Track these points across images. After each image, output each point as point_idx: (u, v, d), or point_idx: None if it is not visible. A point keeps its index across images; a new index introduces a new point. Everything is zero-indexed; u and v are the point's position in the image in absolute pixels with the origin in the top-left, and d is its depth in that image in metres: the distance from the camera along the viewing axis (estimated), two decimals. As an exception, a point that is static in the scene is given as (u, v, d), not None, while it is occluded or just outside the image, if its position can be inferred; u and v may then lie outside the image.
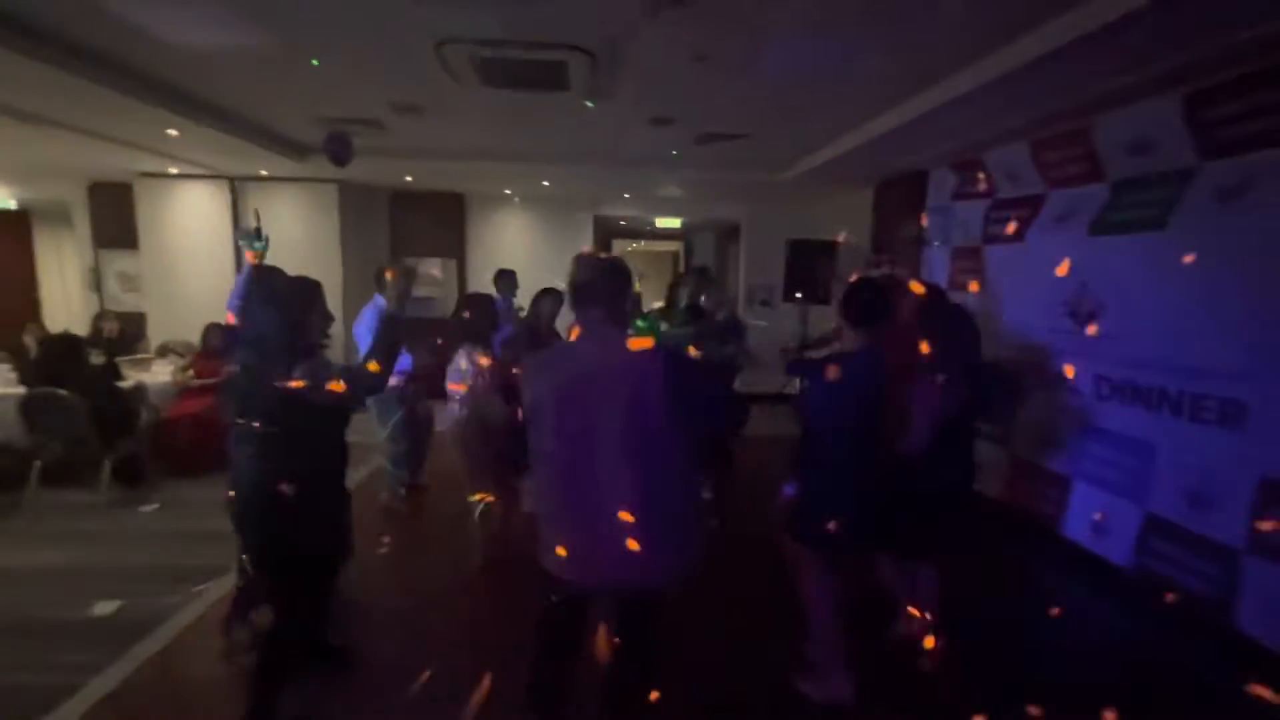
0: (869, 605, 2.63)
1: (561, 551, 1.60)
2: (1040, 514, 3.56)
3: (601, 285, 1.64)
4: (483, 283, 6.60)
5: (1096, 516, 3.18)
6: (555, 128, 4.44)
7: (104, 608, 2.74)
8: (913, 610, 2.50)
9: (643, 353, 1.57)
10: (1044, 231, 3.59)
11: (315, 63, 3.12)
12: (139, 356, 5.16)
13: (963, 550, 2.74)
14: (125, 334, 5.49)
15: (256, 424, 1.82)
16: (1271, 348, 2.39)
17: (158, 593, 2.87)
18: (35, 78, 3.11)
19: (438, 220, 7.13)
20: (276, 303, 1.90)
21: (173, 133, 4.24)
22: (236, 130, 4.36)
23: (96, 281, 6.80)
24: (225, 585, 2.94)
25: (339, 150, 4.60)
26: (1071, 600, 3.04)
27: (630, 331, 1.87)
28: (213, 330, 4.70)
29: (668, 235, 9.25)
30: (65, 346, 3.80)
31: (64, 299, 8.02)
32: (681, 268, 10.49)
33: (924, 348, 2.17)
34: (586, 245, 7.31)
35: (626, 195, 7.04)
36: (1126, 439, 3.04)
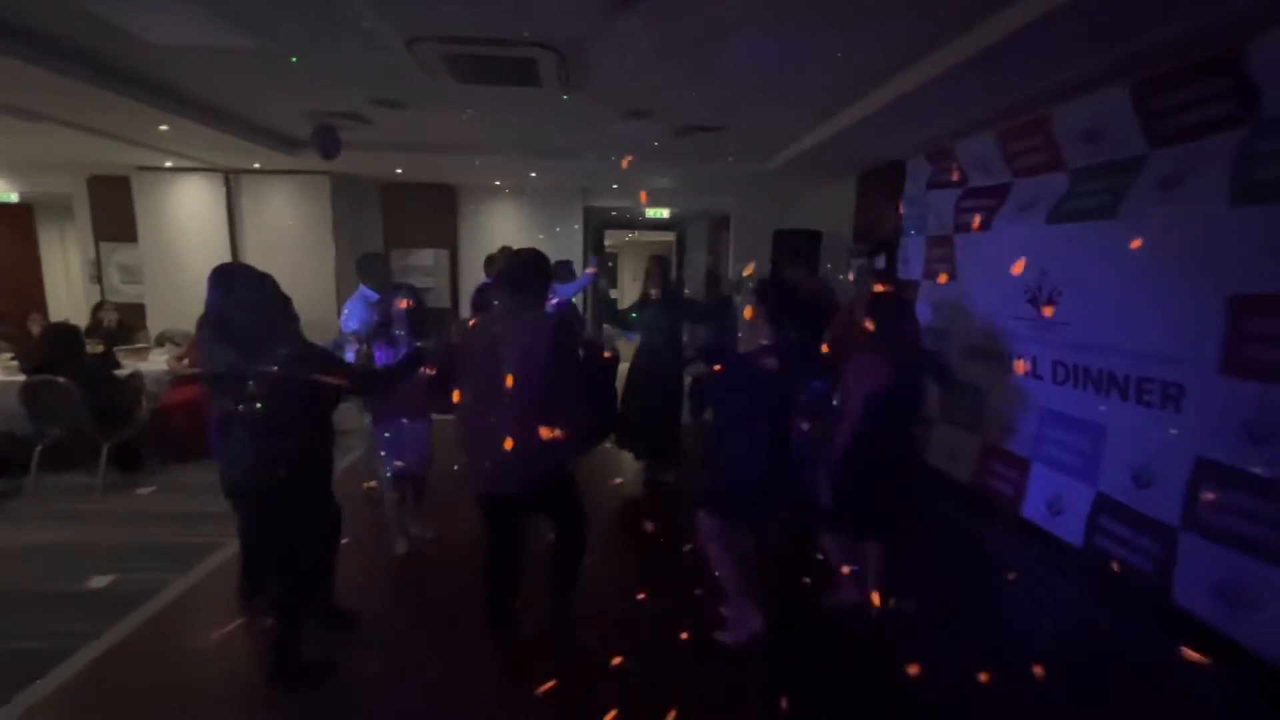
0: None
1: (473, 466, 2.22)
2: (1003, 496, 3.66)
3: (515, 274, 2.29)
4: (475, 271, 6.74)
5: (1052, 497, 3.29)
6: (536, 121, 4.53)
7: (98, 581, 2.90)
8: (855, 583, 2.68)
9: (541, 321, 2.22)
10: (1009, 220, 3.66)
11: (294, 60, 3.23)
12: (138, 346, 5.31)
13: (906, 519, 2.89)
14: (124, 324, 5.65)
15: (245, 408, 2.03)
16: (1204, 331, 2.47)
17: (149, 568, 3.03)
18: (30, 78, 3.22)
19: (430, 211, 7.24)
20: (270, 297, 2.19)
21: (163, 128, 4.36)
22: (225, 125, 4.47)
23: (97, 273, 6.96)
24: (213, 562, 3.11)
25: (326, 144, 4.73)
26: (1025, 579, 3.15)
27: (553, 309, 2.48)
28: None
29: (661, 225, 9.32)
30: (63, 336, 3.95)
31: (67, 290, 8.21)
32: (674, 258, 10.55)
33: (863, 332, 2.37)
34: (576, 227, 7.41)
35: (615, 186, 7.12)
36: (1079, 421, 3.13)
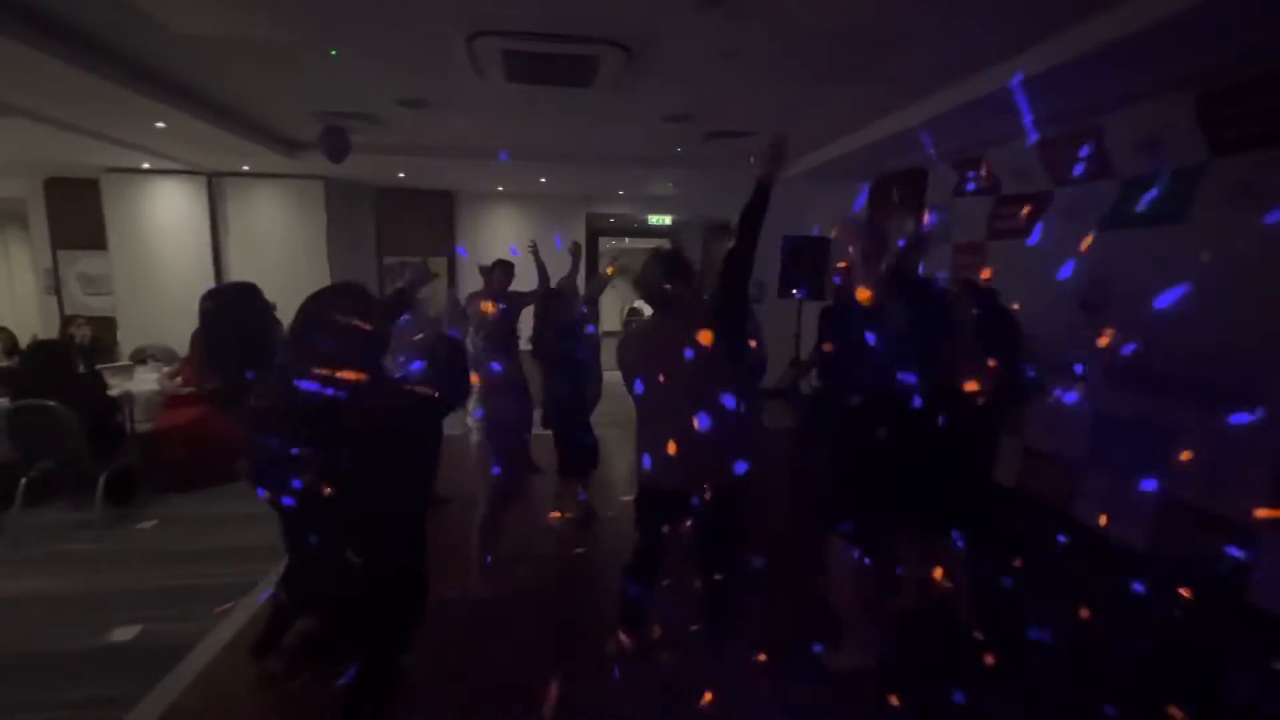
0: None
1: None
2: (1049, 499, 3.69)
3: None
4: (474, 280, 6.47)
5: (1112, 501, 3.32)
6: (562, 123, 4.36)
7: (122, 634, 2.56)
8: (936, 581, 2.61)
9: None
10: (1053, 227, 3.72)
11: (334, 53, 2.98)
12: (119, 364, 4.83)
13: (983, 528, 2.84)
14: (98, 340, 5.14)
15: None
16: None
17: (177, 616, 2.70)
18: (22, 64, 2.86)
19: (427, 217, 6.94)
20: None
21: (160, 125, 3.98)
22: (229, 125, 4.13)
23: (55, 284, 6.36)
24: (251, 604, 2.79)
25: (336, 145, 4.44)
26: (1088, 584, 3.16)
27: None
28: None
29: (656, 233, 9.24)
30: (50, 354, 3.53)
31: (13, 303, 7.47)
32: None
33: None
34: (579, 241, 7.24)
35: (621, 192, 6.99)
36: (1141, 424, 3.17)
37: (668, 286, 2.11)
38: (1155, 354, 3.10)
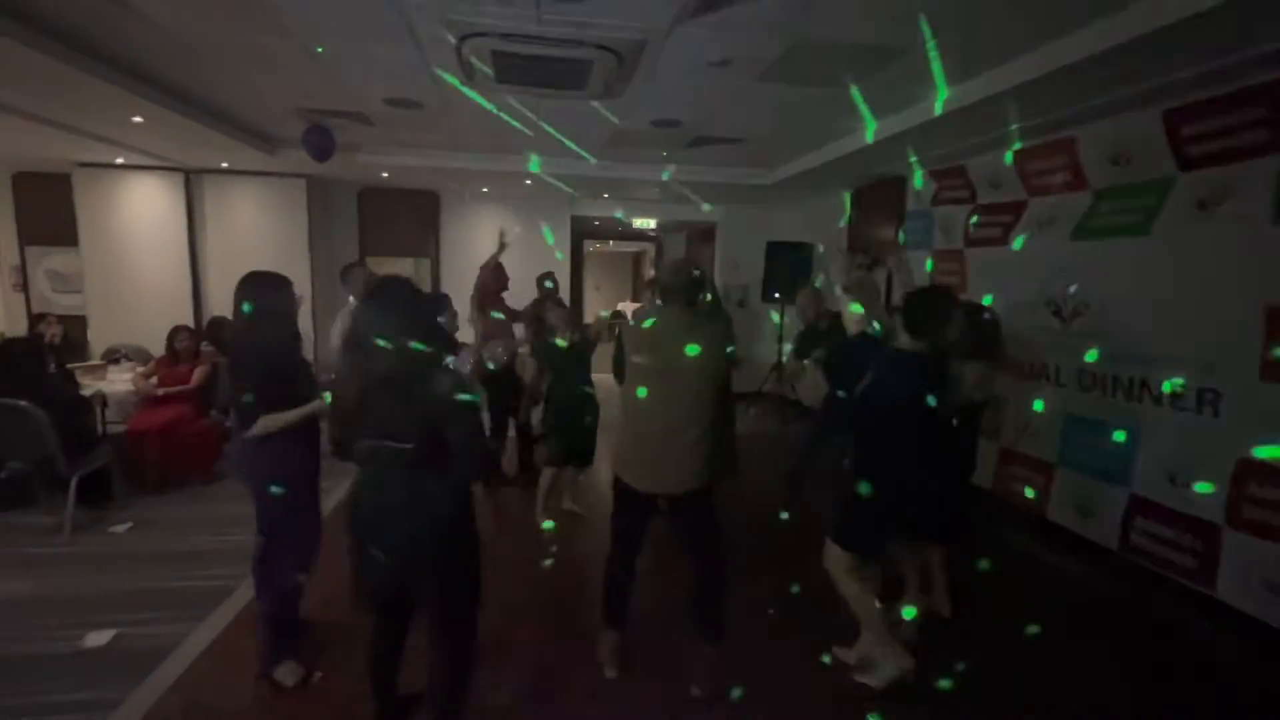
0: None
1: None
2: (1027, 500, 3.80)
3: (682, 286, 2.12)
4: (458, 282, 6.43)
5: (1081, 501, 3.43)
6: (557, 125, 4.36)
7: (96, 639, 2.50)
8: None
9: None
10: (1027, 235, 3.84)
11: (320, 50, 2.96)
12: (92, 363, 4.71)
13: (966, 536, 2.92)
14: (69, 339, 5.00)
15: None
16: (1242, 340, 2.65)
17: (154, 620, 2.64)
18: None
19: (410, 218, 6.88)
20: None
21: (137, 120, 3.90)
22: (210, 120, 4.06)
23: (23, 281, 6.18)
24: (231, 608, 2.75)
25: (321, 144, 4.39)
26: (1061, 580, 3.26)
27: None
28: (179, 333, 4.35)
29: (639, 236, 9.28)
30: (20, 353, 3.43)
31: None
32: (652, 269, 10.52)
33: None
34: (564, 244, 7.26)
35: (605, 195, 7.02)
36: (1110, 427, 3.28)
37: (695, 294, 2.16)
38: (1122, 359, 3.22)
